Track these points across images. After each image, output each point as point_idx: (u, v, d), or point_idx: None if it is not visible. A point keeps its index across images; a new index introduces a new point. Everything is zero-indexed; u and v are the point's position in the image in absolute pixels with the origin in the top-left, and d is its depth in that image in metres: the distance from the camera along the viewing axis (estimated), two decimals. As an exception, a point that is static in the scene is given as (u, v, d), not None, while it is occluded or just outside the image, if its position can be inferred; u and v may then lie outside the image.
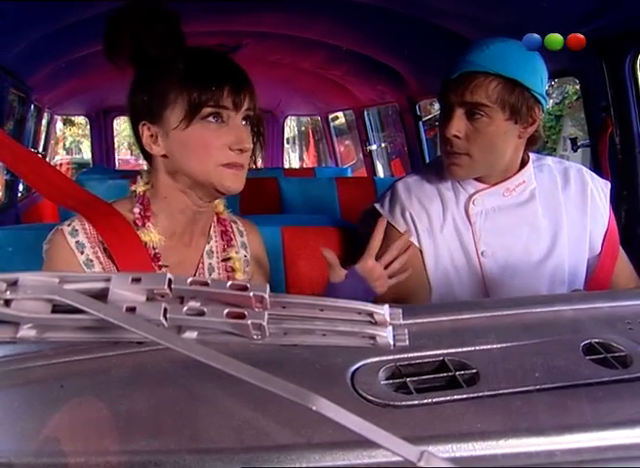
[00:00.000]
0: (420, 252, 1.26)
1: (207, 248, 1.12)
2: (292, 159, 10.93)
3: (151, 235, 1.04)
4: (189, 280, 0.49)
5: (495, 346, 0.60)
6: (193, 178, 1.02)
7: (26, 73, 2.82)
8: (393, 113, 4.07)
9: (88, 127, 5.74)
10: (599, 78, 1.77)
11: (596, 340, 0.61)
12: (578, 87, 3.02)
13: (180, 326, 0.50)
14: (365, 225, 1.37)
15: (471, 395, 0.52)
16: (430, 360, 0.58)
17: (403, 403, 0.51)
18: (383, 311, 0.52)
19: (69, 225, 1.03)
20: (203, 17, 2.35)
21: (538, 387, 0.53)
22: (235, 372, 0.42)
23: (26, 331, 0.48)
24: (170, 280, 0.48)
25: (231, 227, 1.18)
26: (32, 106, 3.40)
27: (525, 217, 1.27)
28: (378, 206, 1.32)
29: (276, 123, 5.61)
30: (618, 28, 1.64)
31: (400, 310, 0.53)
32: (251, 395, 0.49)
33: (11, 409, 0.52)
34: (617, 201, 1.70)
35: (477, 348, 0.60)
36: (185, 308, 0.49)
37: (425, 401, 0.51)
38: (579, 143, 2.15)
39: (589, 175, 1.34)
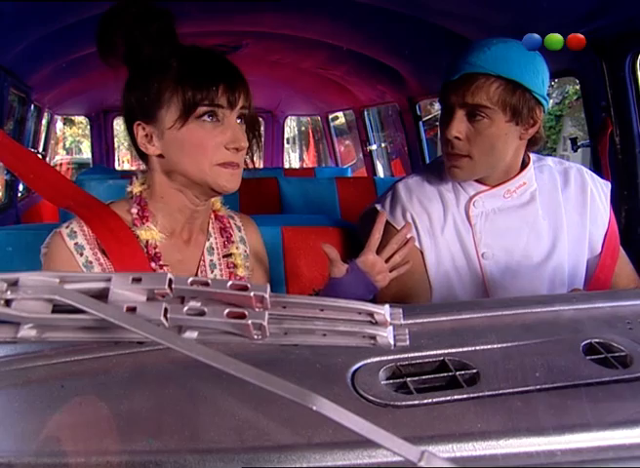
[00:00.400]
0: (421, 253, 1.26)
1: (207, 245, 1.12)
2: (292, 159, 10.94)
3: (152, 233, 1.03)
4: (190, 280, 0.49)
5: (495, 346, 0.60)
6: (189, 178, 1.01)
7: (26, 73, 2.82)
8: (393, 113, 4.07)
9: (88, 127, 5.74)
10: (599, 78, 1.77)
11: (596, 340, 0.61)
12: (578, 87, 3.01)
13: (181, 326, 0.50)
14: (365, 225, 1.37)
15: (471, 395, 0.52)
16: (431, 360, 0.58)
17: (403, 403, 0.51)
18: (384, 311, 0.52)
19: (67, 227, 1.02)
20: (203, 17, 2.35)
21: (538, 387, 0.53)
22: (236, 372, 0.42)
23: (27, 331, 0.48)
24: (170, 280, 0.48)
25: (229, 223, 1.18)
26: (32, 106, 3.40)
27: (525, 219, 1.27)
28: (378, 206, 1.32)
29: (276, 123, 5.61)
30: (618, 28, 1.64)
31: (401, 310, 0.53)
32: (251, 395, 0.49)
33: (11, 409, 0.52)
34: (617, 201, 1.70)
35: (477, 348, 0.60)
36: (186, 308, 0.49)
37: (426, 401, 0.51)
38: (579, 143, 2.15)
39: (589, 176, 1.34)
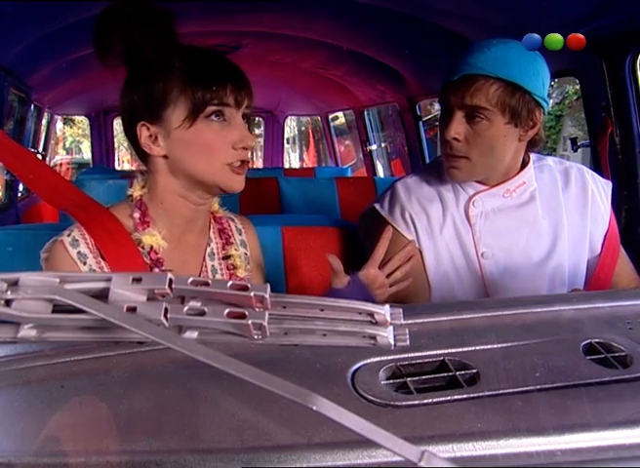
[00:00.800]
0: (420, 252, 1.26)
1: (208, 250, 1.11)
2: (292, 159, 10.94)
3: (156, 239, 1.02)
4: (190, 280, 0.49)
5: (495, 346, 0.60)
6: (196, 178, 1.01)
7: (26, 73, 2.82)
8: (393, 113, 4.07)
9: (88, 127, 5.74)
10: (599, 78, 1.77)
11: (596, 340, 0.61)
12: (578, 87, 3.01)
13: (181, 326, 0.50)
14: (365, 225, 1.37)
15: (472, 395, 0.52)
16: (431, 360, 0.58)
17: (403, 403, 0.51)
18: (384, 311, 0.52)
19: (69, 235, 1.00)
20: (203, 17, 2.35)
21: (538, 387, 0.53)
22: (236, 372, 0.42)
23: (27, 331, 0.48)
24: (170, 280, 0.48)
25: (229, 225, 1.17)
26: (32, 106, 3.40)
27: (525, 219, 1.27)
28: (377, 206, 1.32)
29: (276, 123, 5.61)
30: (618, 28, 1.64)
31: (401, 310, 0.53)
32: (251, 395, 0.49)
33: (11, 408, 0.52)
34: (617, 201, 1.70)
35: (477, 348, 0.60)
36: (186, 308, 0.49)
37: (426, 401, 0.51)
38: (579, 143, 2.15)
39: (590, 175, 1.34)
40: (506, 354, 0.59)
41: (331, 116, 5.40)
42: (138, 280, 0.48)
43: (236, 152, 1.00)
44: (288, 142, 8.39)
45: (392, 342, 0.51)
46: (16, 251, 1.32)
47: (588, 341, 0.61)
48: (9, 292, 0.46)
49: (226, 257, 1.13)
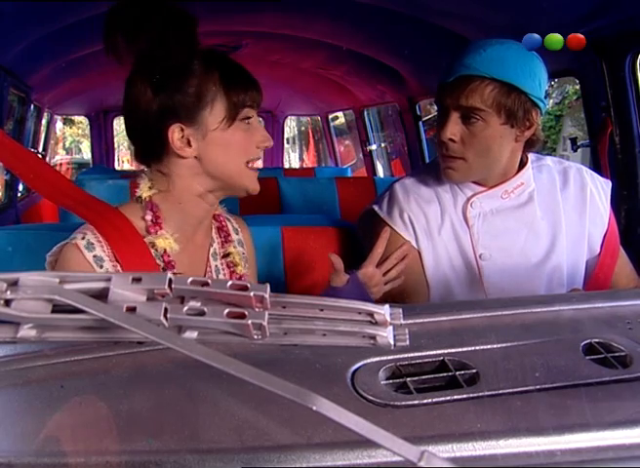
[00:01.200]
0: (419, 253, 1.26)
1: (211, 250, 1.12)
2: (292, 159, 10.94)
3: (169, 242, 1.02)
4: (189, 280, 0.49)
5: (495, 346, 0.60)
6: (223, 180, 1.03)
7: (26, 73, 2.82)
8: (393, 113, 4.07)
9: (88, 127, 5.74)
10: (599, 78, 1.77)
11: (596, 340, 0.61)
12: (578, 87, 3.01)
13: (181, 326, 0.50)
14: (364, 226, 1.37)
15: (471, 395, 0.52)
16: (430, 360, 0.58)
17: (403, 403, 0.51)
18: (384, 311, 0.52)
19: (83, 239, 0.98)
20: (203, 17, 2.34)
21: (538, 387, 0.53)
22: (235, 372, 0.42)
23: (26, 331, 0.48)
24: (170, 280, 0.48)
25: (226, 224, 1.18)
26: (32, 106, 3.40)
27: (523, 219, 1.27)
28: (376, 207, 1.31)
29: (276, 123, 5.61)
30: (618, 28, 1.64)
31: (400, 310, 0.53)
32: (251, 395, 0.49)
33: (11, 409, 0.52)
34: (617, 201, 1.70)
35: (477, 348, 0.60)
36: (186, 308, 0.49)
37: (425, 401, 0.51)
38: (578, 143, 2.15)
39: (589, 175, 1.34)
40: (506, 354, 0.59)
41: (331, 116, 5.41)
42: (137, 280, 0.48)
43: (257, 151, 1.04)
44: (288, 142, 8.38)
45: (392, 342, 0.51)
46: (15, 251, 1.32)
47: (588, 341, 0.61)
48: (9, 292, 0.46)
49: (226, 255, 1.13)
